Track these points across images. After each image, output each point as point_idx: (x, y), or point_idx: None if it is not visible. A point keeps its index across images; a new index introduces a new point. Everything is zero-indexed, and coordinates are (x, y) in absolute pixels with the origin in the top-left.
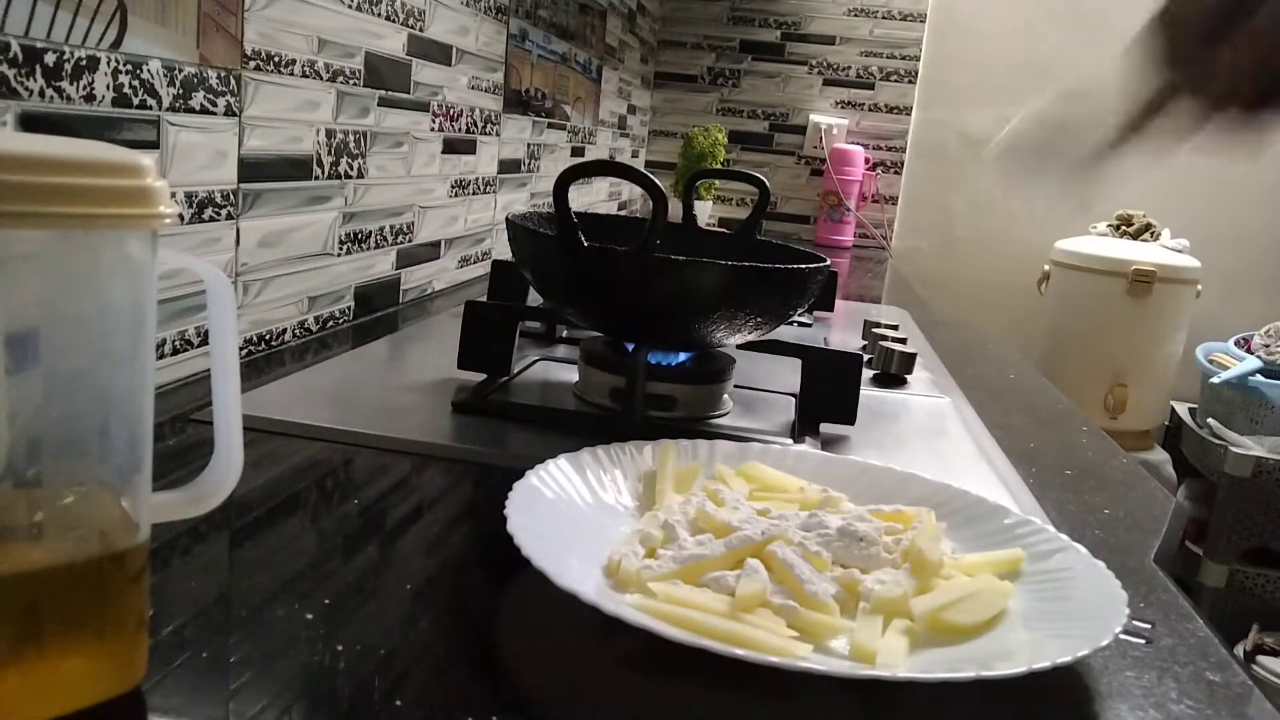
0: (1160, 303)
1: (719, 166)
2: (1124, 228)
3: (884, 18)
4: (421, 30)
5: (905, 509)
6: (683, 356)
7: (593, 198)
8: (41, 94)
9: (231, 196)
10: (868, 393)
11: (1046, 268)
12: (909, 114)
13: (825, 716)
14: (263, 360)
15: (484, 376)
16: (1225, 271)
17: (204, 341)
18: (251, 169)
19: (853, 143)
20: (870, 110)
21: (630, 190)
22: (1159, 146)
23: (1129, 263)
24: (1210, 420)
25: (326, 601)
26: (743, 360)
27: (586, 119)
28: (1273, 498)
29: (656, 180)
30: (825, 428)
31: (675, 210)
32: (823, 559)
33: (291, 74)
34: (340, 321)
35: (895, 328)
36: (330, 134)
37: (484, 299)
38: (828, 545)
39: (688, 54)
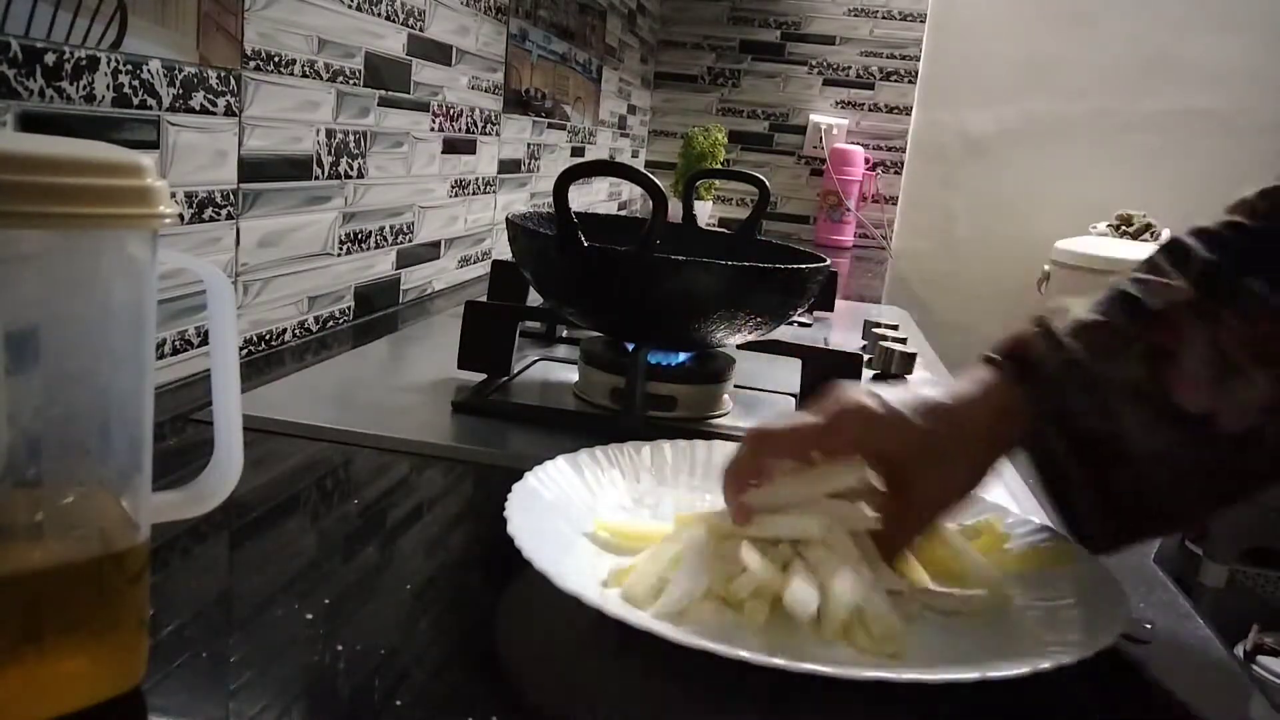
0: None
1: (719, 166)
2: (1124, 228)
3: (884, 18)
4: (421, 30)
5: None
6: (683, 356)
7: (593, 198)
8: (41, 94)
9: (231, 196)
10: None
11: (1046, 268)
12: (909, 114)
13: (826, 716)
14: (263, 360)
15: (484, 376)
16: None
17: (204, 341)
18: (251, 169)
19: (853, 143)
20: (870, 110)
21: (630, 190)
22: None
23: (1129, 263)
24: None
25: (326, 601)
26: (743, 360)
27: (586, 119)
28: (1273, 498)
29: (656, 180)
30: None
31: (675, 210)
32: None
33: (291, 74)
34: (340, 321)
35: (895, 328)
36: (330, 134)
37: (484, 299)
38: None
39: (688, 54)
